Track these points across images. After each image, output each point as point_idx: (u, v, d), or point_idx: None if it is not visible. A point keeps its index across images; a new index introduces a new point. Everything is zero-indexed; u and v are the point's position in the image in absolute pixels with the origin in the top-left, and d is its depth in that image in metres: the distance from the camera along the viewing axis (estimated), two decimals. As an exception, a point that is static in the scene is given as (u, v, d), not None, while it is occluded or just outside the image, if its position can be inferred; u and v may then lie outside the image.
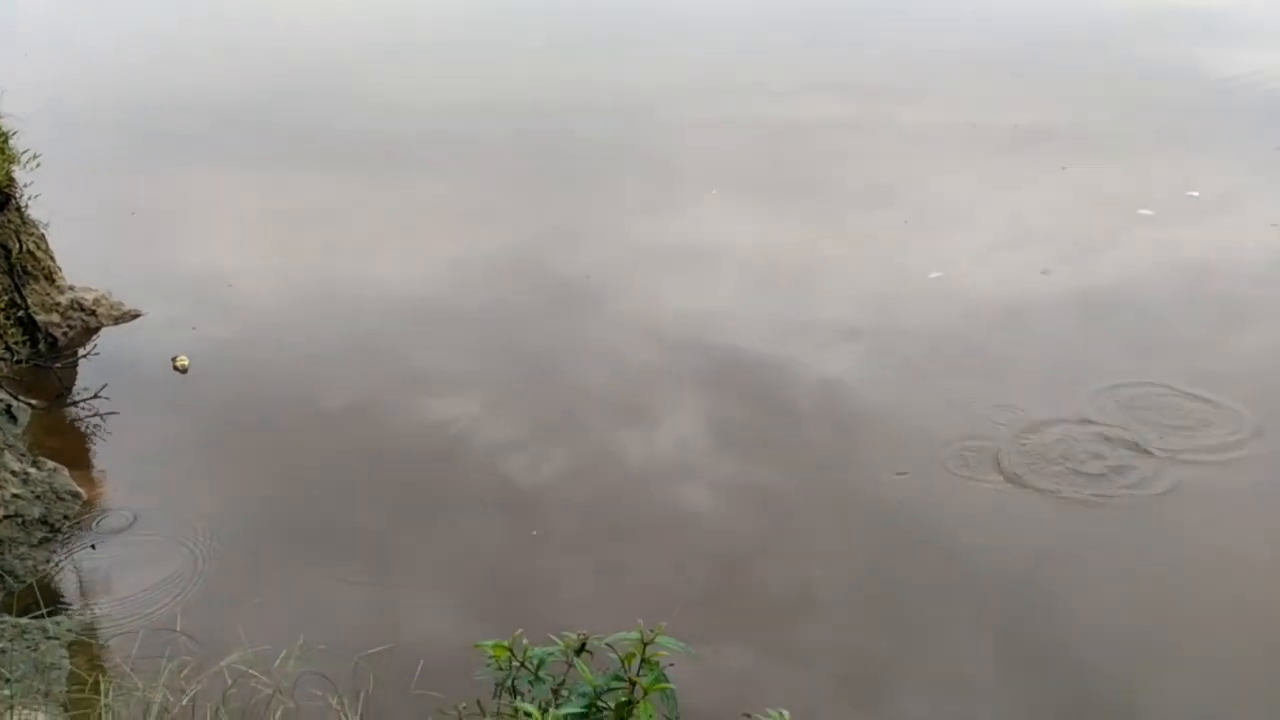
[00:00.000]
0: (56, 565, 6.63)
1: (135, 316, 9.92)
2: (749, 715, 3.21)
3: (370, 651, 3.26)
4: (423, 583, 6.55)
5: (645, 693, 3.05)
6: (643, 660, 3.10)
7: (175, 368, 9.03)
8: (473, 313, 10.04)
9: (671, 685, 3.08)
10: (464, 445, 7.92)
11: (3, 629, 5.75)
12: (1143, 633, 6.14)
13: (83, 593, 6.42)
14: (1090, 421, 7.92)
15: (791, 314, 9.78)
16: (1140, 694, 5.72)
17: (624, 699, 3.09)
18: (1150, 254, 10.79)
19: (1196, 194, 12.11)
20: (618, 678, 3.13)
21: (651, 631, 3.10)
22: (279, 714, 2.98)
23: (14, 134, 9.21)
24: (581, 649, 3.25)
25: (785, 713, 3.12)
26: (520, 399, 8.67)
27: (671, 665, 3.15)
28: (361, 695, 3.08)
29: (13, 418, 8.03)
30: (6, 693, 5.05)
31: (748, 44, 19.39)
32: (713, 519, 7.13)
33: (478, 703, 3.20)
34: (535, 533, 6.91)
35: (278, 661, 3.14)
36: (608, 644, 3.21)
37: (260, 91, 16.70)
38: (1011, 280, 10.32)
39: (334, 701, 2.99)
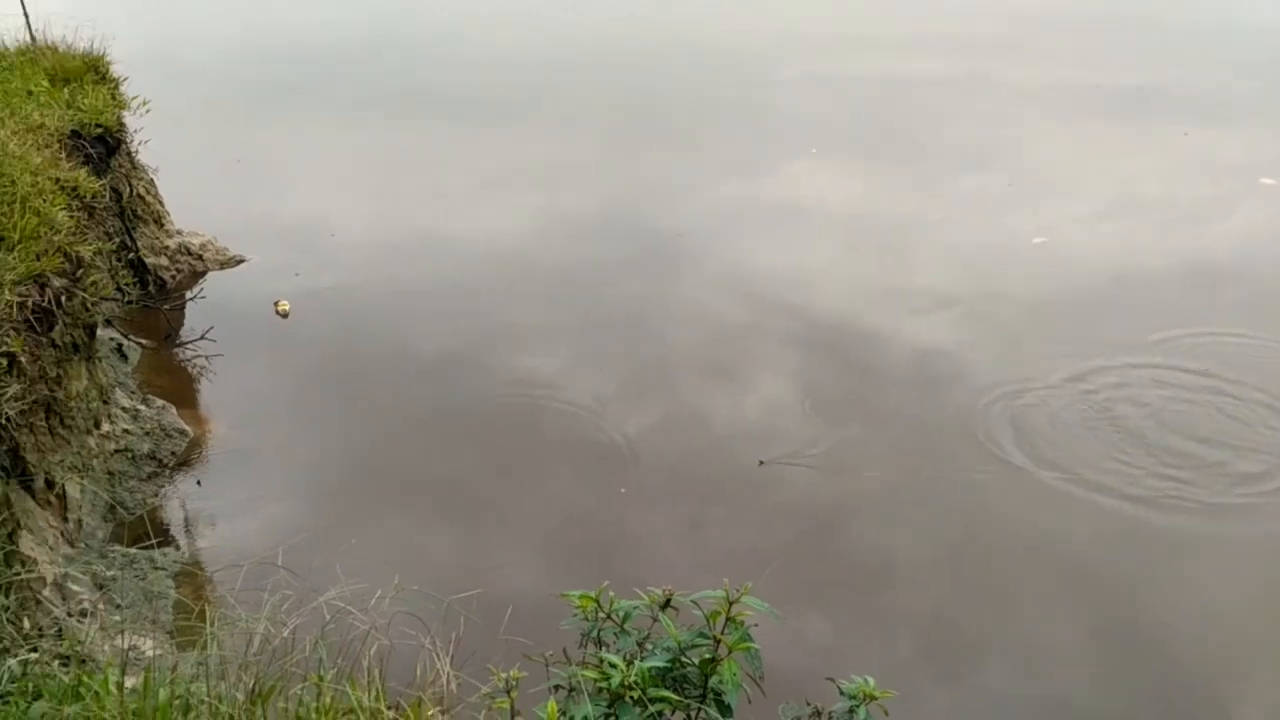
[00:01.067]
0: (164, 499, 6.88)
1: (240, 262, 10.20)
2: (833, 679, 3.21)
3: (461, 595, 3.34)
4: (512, 531, 6.65)
5: (730, 651, 3.06)
6: (728, 619, 3.11)
7: (277, 312, 9.27)
8: (564, 266, 10.09)
9: (756, 645, 3.08)
10: (553, 398, 7.99)
11: (113, 558, 6.02)
12: (1233, 617, 5.94)
13: (188, 526, 6.66)
14: (1211, 403, 7.69)
15: (886, 277, 9.63)
16: (1227, 679, 5.54)
17: (708, 656, 3.11)
18: (1271, 224, 10.31)
19: (1324, 162, 11.54)
20: (702, 635, 3.14)
21: (738, 591, 3.11)
22: (374, 650, 3.07)
23: (124, 80, 9.49)
24: (666, 604, 3.27)
25: (870, 679, 3.11)
26: (610, 354, 8.71)
27: (756, 625, 3.15)
28: (453, 637, 3.15)
29: (124, 356, 8.34)
30: (117, 618, 5.29)
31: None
32: (798, 482, 7.08)
33: (564, 651, 3.24)
34: (623, 490, 6.94)
35: (374, 600, 3.23)
36: (693, 601, 3.22)
37: (360, 42, 16.91)
38: (1121, 247, 9.99)
39: (426, 641, 3.07)
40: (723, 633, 3.10)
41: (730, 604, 3.10)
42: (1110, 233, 10.30)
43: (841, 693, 3.11)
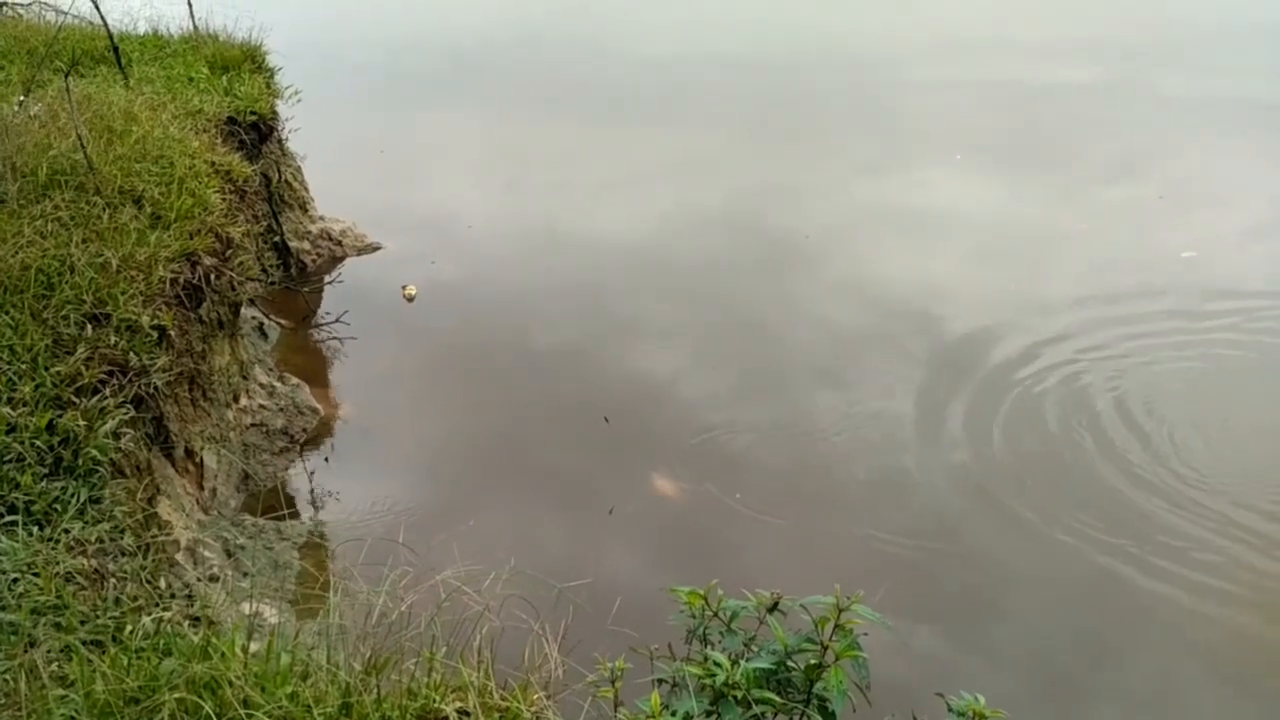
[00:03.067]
0: (293, 473, 7.16)
1: (377, 249, 10.53)
2: (942, 695, 3.14)
3: (572, 584, 3.39)
4: (623, 525, 6.70)
5: (837, 658, 3.03)
6: (836, 626, 3.08)
7: (404, 296, 9.55)
8: (688, 264, 10.10)
9: (864, 654, 3.04)
10: (670, 395, 8.01)
11: (244, 527, 6.29)
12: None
13: (314, 500, 6.92)
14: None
15: (1019, 289, 9.33)
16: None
17: (814, 661, 3.08)
18: None
19: None
20: (810, 640, 3.12)
21: (848, 598, 3.07)
22: (485, 630, 3.15)
23: (279, 70, 9.90)
24: (774, 607, 3.25)
25: (980, 698, 3.03)
26: (729, 355, 8.67)
27: (865, 634, 3.11)
28: (562, 624, 3.21)
29: (264, 335, 8.71)
30: (244, 585, 5.53)
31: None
32: (913, 496, 6.94)
33: (669, 646, 3.26)
34: (739, 495, 6.90)
35: (487, 582, 3.31)
36: (802, 605, 3.20)
37: (501, 34, 17.24)
38: (1274, 267, 9.48)
39: (536, 626, 3.13)
40: (830, 639, 3.07)
41: (840, 611, 3.06)
42: (1264, 251, 9.79)
43: (950, 709, 3.04)
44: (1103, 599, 6.07)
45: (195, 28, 10.14)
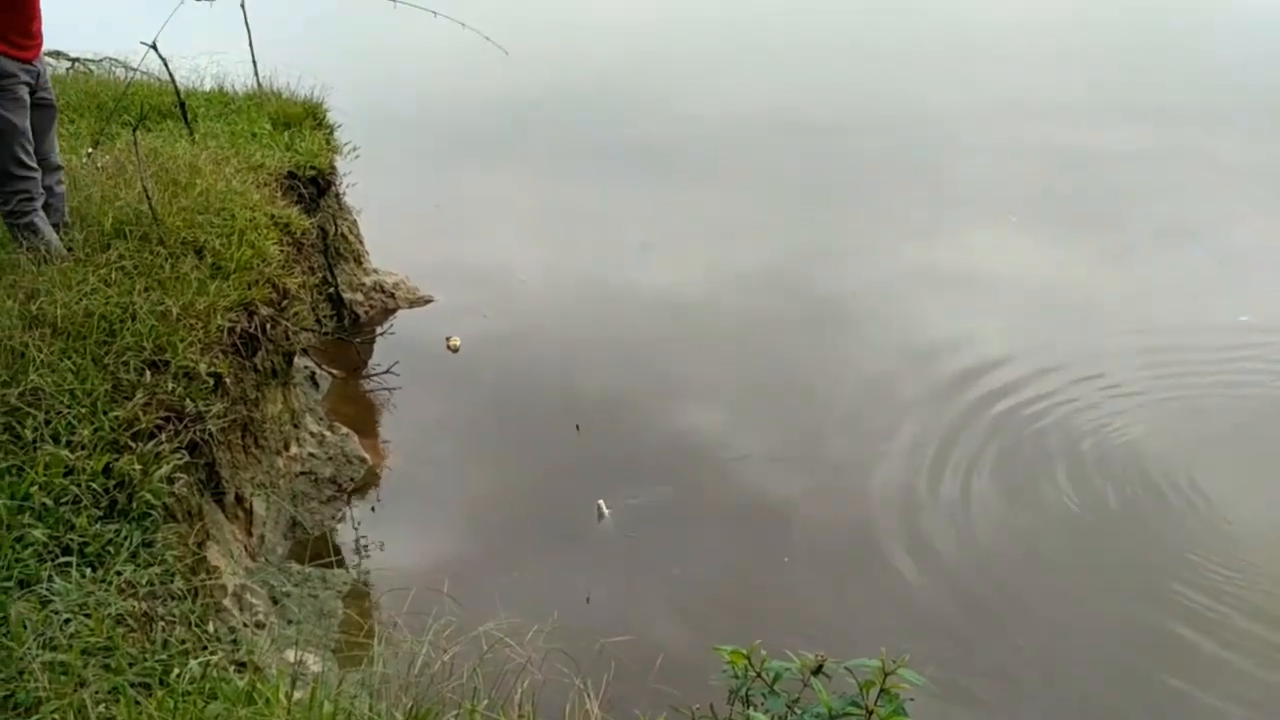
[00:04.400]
0: (339, 522, 7.22)
1: (428, 302, 10.67)
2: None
3: (614, 639, 3.38)
4: (668, 583, 6.66)
5: (882, 723, 2.98)
6: (881, 690, 3.03)
7: (449, 347, 9.65)
8: (732, 323, 10.09)
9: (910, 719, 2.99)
10: (713, 455, 7.98)
11: (290, 574, 6.34)
12: None
13: (360, 550, 6.96)
14: None
15: (1069, 354, 9.17)
16: None
17: (859, 726, 3.03)
18: None
19: None
20: (854, 704, 3.07)
21: (894, 661, 3.02)
22: (526, 684, 3.14)
23: (339, 126, 10.15)
24: (819, 670, 3.21)
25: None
26: (772, 412, 8.64)
27: (911, 700, 3.06)
28: (604, 679, 3.19)
29: (315, 384, 8.83)
30: (289, 632, 5.56)
31: (1039, 57, 18.63)
32: (961, 561, 6.84)
33: (711, 707, 3.23)
34: (787, 559, 6.84)
35: (530, 634, 3.31)
36: (846, 668, 3.15)
37: (555, 95, 17.51)
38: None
39: (578, 682, 3.12)
40: (876, 704, 3.02)
41: (885, 674, 3.01)
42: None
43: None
44: (1161, 669, 5.93)
45: (259, 85, 10.44)
